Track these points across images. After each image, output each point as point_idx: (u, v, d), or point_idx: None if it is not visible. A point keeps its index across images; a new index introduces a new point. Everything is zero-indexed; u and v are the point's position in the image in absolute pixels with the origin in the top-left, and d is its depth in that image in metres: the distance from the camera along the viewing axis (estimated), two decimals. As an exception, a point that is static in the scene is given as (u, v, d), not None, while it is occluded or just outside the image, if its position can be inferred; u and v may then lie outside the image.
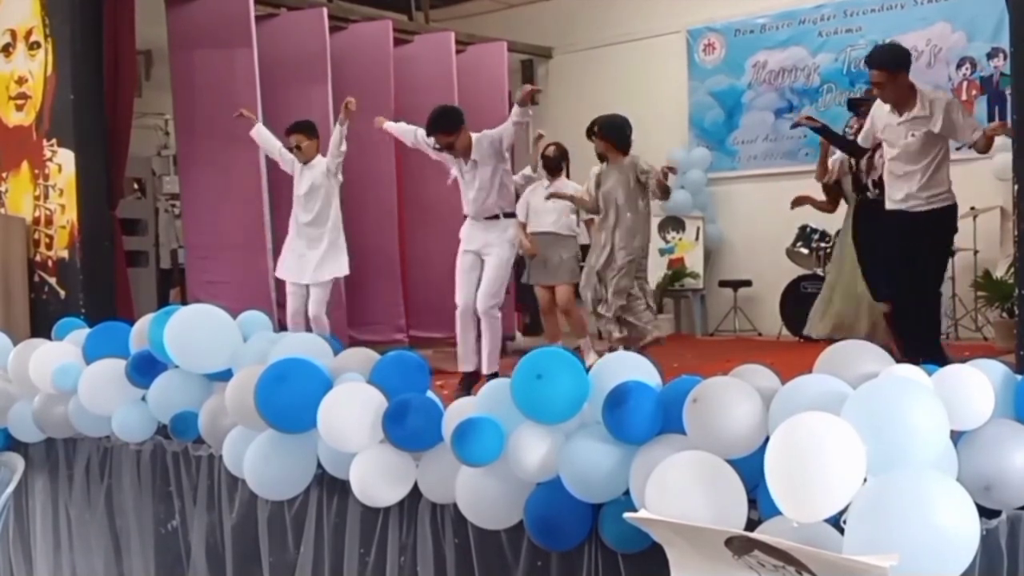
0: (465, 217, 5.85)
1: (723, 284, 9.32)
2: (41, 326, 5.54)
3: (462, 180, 5.75)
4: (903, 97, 5.14)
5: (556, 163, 6.83)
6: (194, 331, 3.74)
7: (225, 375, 3.67)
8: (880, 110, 5.33)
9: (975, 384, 2.57)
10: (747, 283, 9.14)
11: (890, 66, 5.15)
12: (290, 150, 6.52)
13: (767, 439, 2.45)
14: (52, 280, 5.90)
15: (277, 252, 7.13)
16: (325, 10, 7.86)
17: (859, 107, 6.23)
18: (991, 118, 8.02)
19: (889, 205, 5.30)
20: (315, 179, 6.45)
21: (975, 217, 7.69)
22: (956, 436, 2.53)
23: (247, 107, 7.02)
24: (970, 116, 5.11)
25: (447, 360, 7.00)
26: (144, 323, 4.00)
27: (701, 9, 9.50)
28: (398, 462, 3.17)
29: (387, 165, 8.28)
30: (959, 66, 8.23)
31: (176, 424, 3.84)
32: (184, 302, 7.18)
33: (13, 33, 6.22)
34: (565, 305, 6.79)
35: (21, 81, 6.18)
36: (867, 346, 2.80)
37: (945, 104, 5.11)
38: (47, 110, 6.04)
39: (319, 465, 3.44)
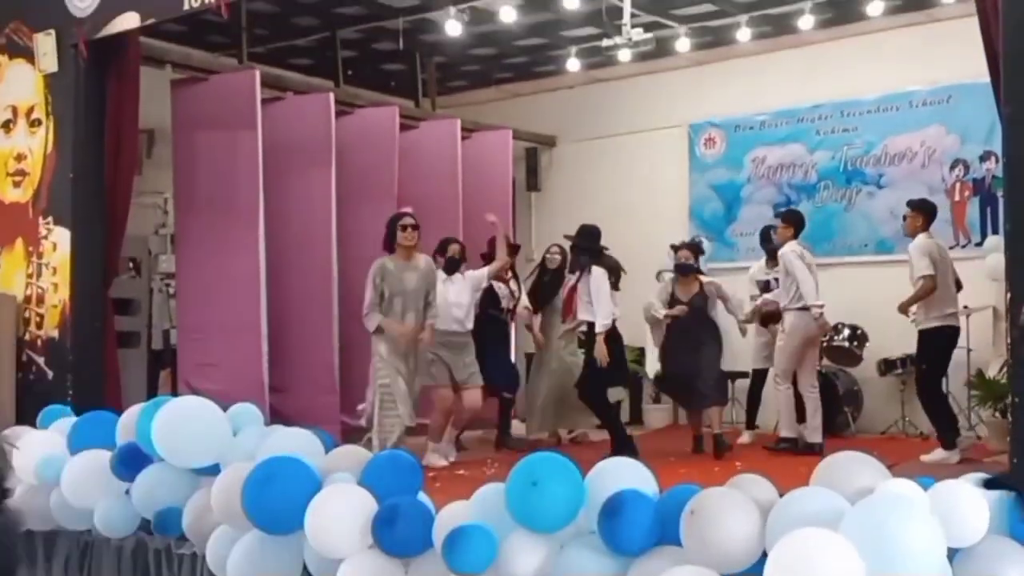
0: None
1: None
2: (27, 406, 5.47)
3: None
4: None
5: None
6: (183, 424, 3.68)
7: (212, 470, 3.59)
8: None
9: (969, 501, 2.58)
10: (744, 375, 9.07)
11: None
12: None
13: (765, 553, 2.42)
14: (40, 360, 5.84)
15: (272, 335, 7.06)
16: (332, 95, 7.89)
17: None
18: (983, 218, 8.12)
19: None
20: None
21: (968, 316, 7.67)
22: (952, 553, 2.52)
23: (248, 188, 7.01)
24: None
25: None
26: (132, 414, 3.93)
27: (703, 105, 9.62)
28: (387, 569, 3.08)
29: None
30: (952, 167, 8.31)
31: (159, 520, 3.75)
32: (175, 385, 7.05)
33: (15, 109, 6.26)
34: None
35: (20, 157, 6.19)
36: (863, 458, 2.80)
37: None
38: (45, 187, 6.05)
39: (305, 569, 3.35)
